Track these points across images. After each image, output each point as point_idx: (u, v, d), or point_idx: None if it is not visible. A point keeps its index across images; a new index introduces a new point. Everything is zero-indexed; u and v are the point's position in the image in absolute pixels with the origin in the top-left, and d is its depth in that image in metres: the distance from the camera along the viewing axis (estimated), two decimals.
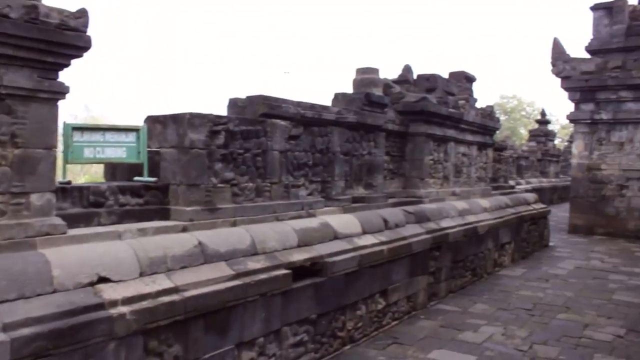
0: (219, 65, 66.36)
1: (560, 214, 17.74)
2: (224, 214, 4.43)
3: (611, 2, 15.31)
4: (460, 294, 7.45)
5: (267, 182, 4.90)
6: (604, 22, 14.96)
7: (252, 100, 5.05)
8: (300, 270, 4.62)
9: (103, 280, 3.27)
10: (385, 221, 6.26)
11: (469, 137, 9.17)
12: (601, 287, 8.11)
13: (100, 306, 3.12)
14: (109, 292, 3.23)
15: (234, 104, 5.17)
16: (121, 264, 3.40)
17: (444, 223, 7.49)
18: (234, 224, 4.48)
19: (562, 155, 27.84)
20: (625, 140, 14.03)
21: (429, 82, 8.26)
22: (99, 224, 3.76)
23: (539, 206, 11.89)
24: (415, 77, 8.49)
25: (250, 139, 4.71)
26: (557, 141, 30.49)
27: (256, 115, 4.94)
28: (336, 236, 5.33)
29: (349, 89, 6.94)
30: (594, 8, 15.54)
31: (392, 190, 7.48)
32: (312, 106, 5.49)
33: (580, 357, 5.14)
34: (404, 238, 6.30)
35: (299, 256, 4.67)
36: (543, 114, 26.86)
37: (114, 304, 3.18)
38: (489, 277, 8.62)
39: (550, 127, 28.79)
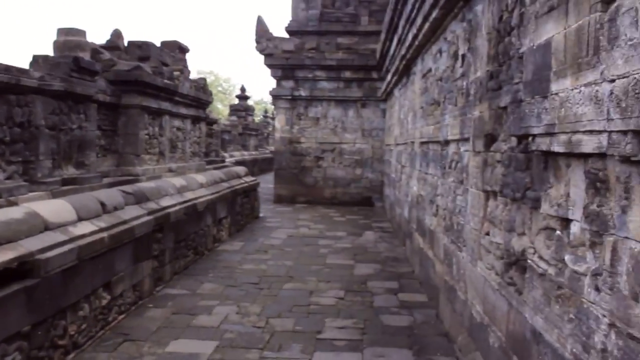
0: None
1: (263, 185, 18.60)
2: None
3: None
4: (185, 275, 7.10)
5: None
6: (302, 6, 15.99)
7: None
8: (5, 274, 3.69)
9: None
10: (103, 204, 5.51)
11: (184, 111, 8.77)
12: (315, 253, 8.63)
13: None
14: None
15: None
16: None
17: (164, 202, 7.01)
18: None
19: (259, 129, 29.37)
20: (321, 116, 15.34)
21: (142, 50, 7.55)
22: None
23: (250, 179, 12.17)
24: (126, 44, 7.68)
25: None
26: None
27: None
28: (47, 227, 4.44)
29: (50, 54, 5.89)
30: None
31: (106, 169, 6.68)
32: (7, 68, 4.43)
33: (314, 324, 5.29)
34: (125, 222, 5.65)
35: (1, 257, 3.73)
36: (243, 89, 27.88)
37: None
38: (210, 254, 8.45)
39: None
